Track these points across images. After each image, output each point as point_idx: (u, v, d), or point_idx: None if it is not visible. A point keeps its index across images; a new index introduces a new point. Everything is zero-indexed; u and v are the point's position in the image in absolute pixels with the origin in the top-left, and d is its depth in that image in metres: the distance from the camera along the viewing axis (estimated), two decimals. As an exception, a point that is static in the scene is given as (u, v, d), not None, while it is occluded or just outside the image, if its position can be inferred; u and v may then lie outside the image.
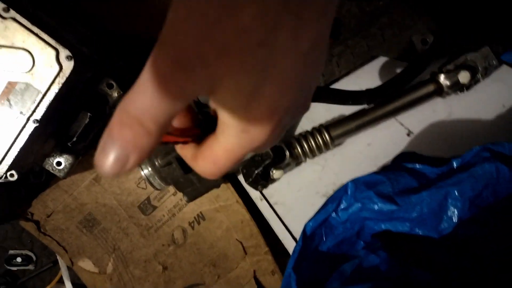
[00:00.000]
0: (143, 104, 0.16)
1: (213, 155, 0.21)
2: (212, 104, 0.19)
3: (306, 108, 0.22)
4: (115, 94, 0.56)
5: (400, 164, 0.38)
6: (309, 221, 0.36)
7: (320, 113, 0.58)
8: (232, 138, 0.20)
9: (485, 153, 0.36)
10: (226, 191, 0.64)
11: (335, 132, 0.55)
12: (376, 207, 0.36)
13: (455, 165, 0.37)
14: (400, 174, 0.37)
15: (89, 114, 0.54)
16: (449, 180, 0.35)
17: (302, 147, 0.55)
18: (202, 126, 0.23)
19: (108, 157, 0.17)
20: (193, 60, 0.16)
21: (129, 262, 0.69)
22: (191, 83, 0.16)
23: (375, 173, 0.38)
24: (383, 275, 0.32)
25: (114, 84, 0.55)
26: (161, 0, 0.60)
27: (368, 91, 0.53)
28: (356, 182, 0.37)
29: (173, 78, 0.16)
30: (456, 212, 0.34)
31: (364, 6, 0.69)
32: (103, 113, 0.56)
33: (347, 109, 0.57)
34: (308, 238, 0.36)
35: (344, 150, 0.59)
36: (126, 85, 0.58)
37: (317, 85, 0.20)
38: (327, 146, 0.55)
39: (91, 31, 0.57)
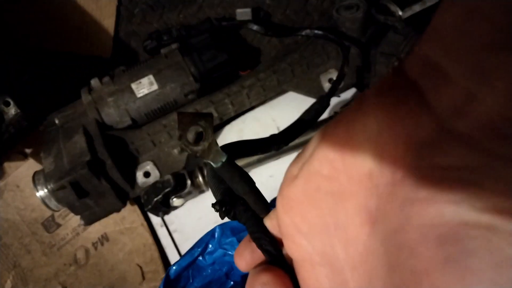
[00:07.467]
0: None
1: None
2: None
3: None
4: (12, 112, 0.54)
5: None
6: (173, 265, 0.37)
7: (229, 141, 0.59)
8: None
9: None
10: (132, 214, 0.63)
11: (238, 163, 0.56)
12: (236, 254, 0.37)
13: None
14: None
15: (-21, 132, 0.51)
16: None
17: (204, 176, 0.56)
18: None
19: None
20: None
21: (29, 280, 0.66)
22: None
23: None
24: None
25: (11, 102, 0.53)
26: (75, 17, 0.58)
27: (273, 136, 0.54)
28: (223, 226, 0.38)
29: None
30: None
31: (284, 39, 0.71)
32: (-4, 131, 0.54)
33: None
34: (172, 281, 0.36)
35: (250, 179, 0.60)
36: (29, 100, 0.57)
37: None
38: (228, 177, 0.56)
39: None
